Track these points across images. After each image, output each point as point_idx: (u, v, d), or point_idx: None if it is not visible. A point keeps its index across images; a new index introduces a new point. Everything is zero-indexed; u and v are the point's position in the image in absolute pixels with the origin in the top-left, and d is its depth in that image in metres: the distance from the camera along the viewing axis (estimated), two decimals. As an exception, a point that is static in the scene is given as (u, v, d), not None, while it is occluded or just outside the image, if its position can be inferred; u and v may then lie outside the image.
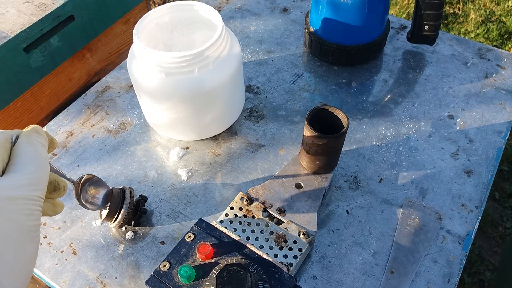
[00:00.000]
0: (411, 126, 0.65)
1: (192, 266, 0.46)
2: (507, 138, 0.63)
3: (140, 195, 0.57)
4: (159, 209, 0.58)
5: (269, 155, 0.63)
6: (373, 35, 0.70)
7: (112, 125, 0.68)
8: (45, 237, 0.56)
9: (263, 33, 0.80)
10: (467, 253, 0.53)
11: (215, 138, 0.65)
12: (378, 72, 0.73)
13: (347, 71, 0.73)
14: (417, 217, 0.56)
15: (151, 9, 1.11)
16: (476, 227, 0.55)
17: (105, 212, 0.53)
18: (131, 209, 0.53)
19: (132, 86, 0.73)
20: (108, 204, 0.52)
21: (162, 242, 0.55)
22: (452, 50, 0.75)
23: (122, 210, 0.52)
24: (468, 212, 0.56)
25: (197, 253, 0.47)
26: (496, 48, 0.75)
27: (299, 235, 0.51)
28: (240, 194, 0.54)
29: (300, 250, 0.50)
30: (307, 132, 0.52)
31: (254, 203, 0.54)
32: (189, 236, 0.49)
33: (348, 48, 0.70)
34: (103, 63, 1.06)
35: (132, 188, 0.54)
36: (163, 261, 0.47)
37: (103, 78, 0.74)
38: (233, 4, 0.87)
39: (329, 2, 0.67)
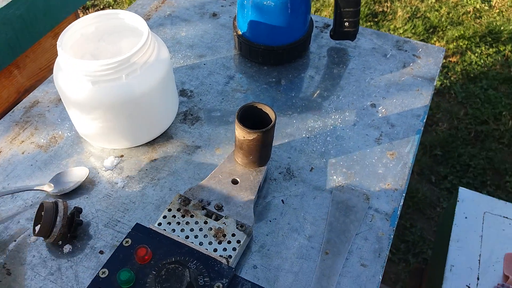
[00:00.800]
0: (337, 117, 0.70)
1: (131, 270, 0.47)
2: (424, 120, 0.69)
3: (74, 207, 0.57)
4: (95, 220, 0.58)
5: (206, 156, 0.65)
6: (298, 34, 0.75)
7: (42, 140, 0.67)
8: (-24, 260, 0.55)
9: (193, 38, 0.83)
10: (394, 228, 0.58)
11: (150, 143, 0.67)
12: (305, 69, 0.78)
13: (276, 70, 0.77)
14: (347, 200, 0.60)
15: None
16: (401, 204, 0.60)
17: (38, 227, 0.53)
18: (66, 221, 0.54)
19: (60, 100, 0.73)
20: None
21: (101, 252, 0.56)
22: (372, 44, 0.82)
23: (56, 224, 0.53)
24: (393, 191, 0.61)
25: (135, 257, 0.48)
26: (411, 40, 0.82)
27: (237, 228, 0.53)
28: (177, 196, 0.56)
29: (238, 242, 0.52)
30: (238, 129, 0.55)
31: (192, 202, 0.56)
32: (127, 242, 0.50)
33: (275, 49, 0.75)
34: (33, 79, 1.05)
35: (65, 201, 0.55)
36: (101, 268, 0.48)
37: (31, 93, 0.74)
38: (162, 11, 0.89)
39: (254, 5, 0.70)
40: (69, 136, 0.68)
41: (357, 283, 0.53)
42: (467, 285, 0.84)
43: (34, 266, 0.54)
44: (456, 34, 2.25)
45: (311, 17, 0.78)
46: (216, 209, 0.55)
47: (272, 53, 0.75)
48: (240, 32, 0.77)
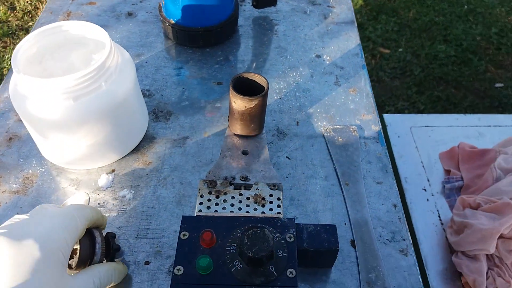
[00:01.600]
0: (295, 74, 0.77)
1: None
2: (364, 56, 0.80)
3: (106, 233, 0.54)
4: (123, 237, 0.56)
5: (198, 142, 0.66)
6: (230, 9, 0.79)
7: (14, 185, 0.60)
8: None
9: (121, 41, 0.81)
10: (385, 147, 0.67)
11: (136, 150, 0.65)
12: (244, 42, 0.82)
13: (219, 49, 0.80)
14: (339, 137, 0.68)
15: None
16: (381, 126, 0.70)
17: (74, 260, 0.49)
18: (104, 248, 0.50)
19: (11, 139, 0.66)
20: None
21: (147, 262, 0.54)
22: (289, 5, 0.90)
23: (96, 252, 0.49)
24: (369, 118, 0.71)
25: (202, 243, 0.49)
26: (318, -5, 0.93)
27: (270, 188, 0.57)
28: (201, 182, 0.57)
29: (278, 199, 0.56)
30: (238, 100, 0.58)
31: (218, 182, 0.57)
32: (184, 235, 0.50)
33: (214, 28, 0.77)
34: None
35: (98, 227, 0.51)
36: (174, 267, 0.48)
37: (-32, 144, 0.65)
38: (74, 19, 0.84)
39: (184, -10, 0.72)
40: (43, 171, 0.62)
41: (380, 197, 0.61)
42: (423, 188, 0.99)
43: (83, 306, 0.50)
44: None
45: (230, -6, 0.83)
46: (242, 181, 0.58)
47: (212, 33, 0.78)
48: (173, 21, 0.77)
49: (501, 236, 0.84)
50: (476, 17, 2.44)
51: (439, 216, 0.96)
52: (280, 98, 0.73)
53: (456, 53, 2.25)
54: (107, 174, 0.62)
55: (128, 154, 0.64)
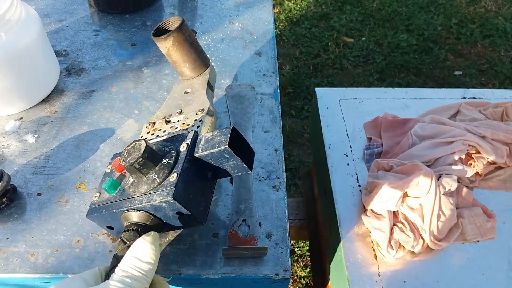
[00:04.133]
0: (207, 38, 0.83)
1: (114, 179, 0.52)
2: (274, 24, 0.87)
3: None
4: (21, 173, 0.62)
5: (104, 95, 0.72)
6: (147, -22, 0.85)
7: None
8: None
9: (46, 9, 0.87)
10: (279, 102, 0.73)
11: (45, 101, 0.71)
12: (163, 9, 0.89)
13: (138, 15, 0.87)
14: (238, 92, 0.74)
15: None
16: (278, 84, 0.76)
17: None
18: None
19: None
20: None
21: (39, 194, 0.60)
22: (211, -22, 0.96)
23: None
24: (269, 77, 0.77)
25: (115, 169, 0.53)
26: (241, -30, 0.99)
27: (196, 114, 0.58)
28: (143, 126, 0.60)
29: (201, 121, 0.57)
30: (158, 43, 0.59)
31: (157, 121, 0.60)
32: (108, 168, 0.55)
33: (131, -6, 0.84)
34: None
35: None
36: (95, 194, 0.53)
37: None
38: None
39: (99, -43, 0.78)
40: (-47, 117, 0.68)
41: (265, 143, 0.67)
42: (344, 154, 1.06)
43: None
44: (272, -12, 2.57)
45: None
46: (177, 115, 0.60)
47: (130, 0, 0.84)
48: (93, -12, 0.83)
49: (406, 195, 0.91)
50: (438, 8, 2.52)
51: (357, 180, 1.03)
52: (188, 59, 0.79)
53: (417, 42, 2.33)
54: (15, 120, 0.68)
55: (37, 104, 0.70)
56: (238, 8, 0.90)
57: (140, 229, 0.49)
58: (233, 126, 0.51)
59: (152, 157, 0.49)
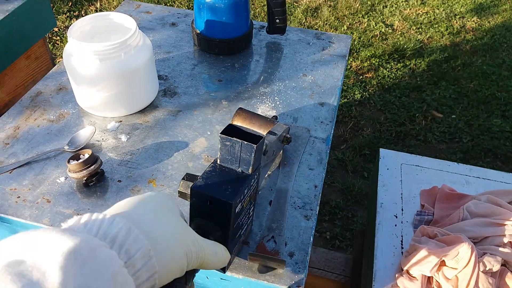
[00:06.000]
0: (280, 84, 0.99)
1: None
2: (342, 81, 1.00)
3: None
4: (110, 162, 0.80)
5: (187, 115, 0.90)
6: (243, 29, 1.04)
7: (52, 117, 0.88)
8: (19, 197, 0.74)
9: (160, 41, 1.09)
10: (329, 147, 0.85)
11: (141, 112, 0.90)
12: (251, 56, 1.07)
13: (230, 58, 1.05)
14: (294, 133, 0.87)
15: (48, 45, 1.33)
16: (332, 132, 0.88)
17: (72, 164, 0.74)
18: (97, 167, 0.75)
19: (61, 89, 0.95)
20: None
21: (119, 181, 0.77)
22: (298, 36, 1.13)
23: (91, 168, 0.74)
24: (325, 125, 0.90)
25: None
26: (326, 32, 1.15)
27: None
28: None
29: None
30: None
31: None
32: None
33: (227, 41, 1.03)
34: (11, 95, 1.24)
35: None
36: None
37: (34, 87, 0.95)
38: (129, 26, 1.15)
39: (208, 7, 0.99)
40: (73, 112, 0.90)
41: (307, 178, 0.79)
42: (394, 215, 1.12)
43: (68, 195, 0.74)
44: (368, 54, 2.71)
45: (250, 19, 1.08)
46: None
47: (225, 45, 1.03)
48: (198, 31, 1.04)
49: (444, 264, 0.94)
50: (540, 97, 2.46)
51: (401, 242, 1.08)
52: (263, 99, 0.95)
53: (511, 129, 2.29)
54: (116, 122, 0.88)
55: (135, 113, 0.90)
56: (314, 64, 1.05)
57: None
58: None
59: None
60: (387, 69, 2.66)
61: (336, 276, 1.43)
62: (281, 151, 0.82)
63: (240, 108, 0.73)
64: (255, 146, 0.55)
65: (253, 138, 0.57)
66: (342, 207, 1.94)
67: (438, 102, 2.46)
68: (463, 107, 2.43)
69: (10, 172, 0.78)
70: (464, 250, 0.92)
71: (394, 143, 2.26)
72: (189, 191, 0.58)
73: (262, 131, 0.71)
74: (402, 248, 1.07)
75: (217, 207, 0.56)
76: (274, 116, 0.82)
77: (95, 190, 0.76)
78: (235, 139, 0.56)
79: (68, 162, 0.75)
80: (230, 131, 0.58)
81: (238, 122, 0.72)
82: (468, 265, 0.91)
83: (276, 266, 0.67)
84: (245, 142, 0.56)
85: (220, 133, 0.56)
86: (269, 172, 0.80)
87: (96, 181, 0.76)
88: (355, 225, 1.90)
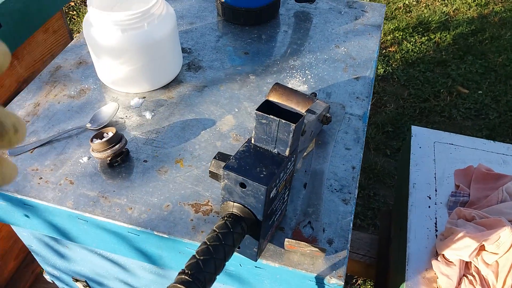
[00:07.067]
0: (311, 56, 0.92)
1: None
2: (378, 53, 0.93)
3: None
4: (135, 141, 0.75)
5: (213, 91, 0.85)
6: (270, -1, 0.97)
7: (73, 92, 0.84)
8: (41, 178, 0.70)
9: (182, 11, 1.03)
10: (366, 124, 0.79)
11: (165, 87, 0.85)
12: (279, 26, 1.00)
13: (256, 29, 0.99)
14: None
15: (65, 18, 1.28)
16: (369, 108, 0.82)
17: (96, 143, 0.69)
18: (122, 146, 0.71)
19: (81, 63, 0.90)
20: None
21: (145, 161, 0.73)
22: (328, 5, 1.06)
23: (116, 147, 0.69)
24: (361, 101, 0.84)
25: None
26: (358, 0, 1.07)
27: None
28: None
29: None
30: None
31: None
32: None
33: (254, 10, 0.96)
34: (30, 70, 1.20)
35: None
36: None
37: (53, 61, 0.90)
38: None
39: (234, -25, 0.92)
40: (95, 87, 0.85)
41: (344, 159, 0.74)
42: (428, 196, 1.07)
43: (92, 176, 0.70)
44: (392, 27, 2.61)
45: (278, -12, 1.01)
46: None
47: (252, 14, 0.97)
48: (222, 0, 0.97)
49: (483, 248, 0.89)
50: None
51: (435, 224, 1.03)
52: (293, 72, 0.88)
53: (541, 105, 2.19)
54: (139, 98, 0.83)
55: (159, 89, 0.85)
56: (346, 35, 0.98)
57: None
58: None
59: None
60: (411, 43, 2.55)
61: (361, 257, 1.38)
62: (319, 131, 0.77)
63: (277, 83, 0.68)
64: (293, 125, 0.50)
65: (291, 116, 0.52)
66: (363, 185, 1.89)
67: (464, 77, 2.36)
68: (490, 82, 2.33)
69: (31, 152, 0.74)
70: (506, 234, 0.86)
71: (418, 120, 2.18)
72: (220, 171, 0.53)
73: (300, 109, 0.65)
74: (437, 230, 1.02)
75: (250, 190, 0.52)
76: (313, 93, 0.76)
77: (120, 171, 0.71)
78: (272, 116, 0.51)
79: (91, 141, 0.70)
80: (267, 107, 0.53)
81: (274, 99, 0.66)
82: (510, 250, 0.86)
83: (316, 254, 0.62)
84: (283, 121, 0.50)
85: (256, 110, 0.51)
86: (304, 154, 0.74)
87: (121, 161, 0.72)
88: (376, 203, 1.84)
